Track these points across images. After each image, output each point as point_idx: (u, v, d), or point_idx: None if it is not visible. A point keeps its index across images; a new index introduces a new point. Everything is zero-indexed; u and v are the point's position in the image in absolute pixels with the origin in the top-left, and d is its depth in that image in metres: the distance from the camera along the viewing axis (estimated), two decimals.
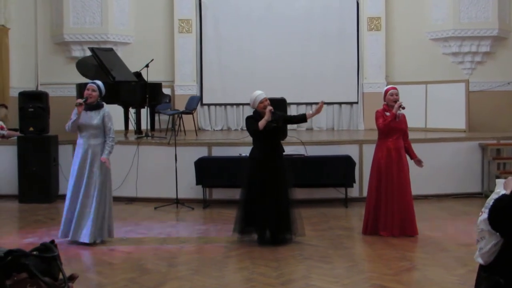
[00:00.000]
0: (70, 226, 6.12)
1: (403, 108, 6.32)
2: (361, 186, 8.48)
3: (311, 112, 6.56)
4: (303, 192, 7.97)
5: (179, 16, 11.90)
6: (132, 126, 10.04)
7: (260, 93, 6.17)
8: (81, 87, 8.96)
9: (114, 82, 9.44)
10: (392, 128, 6.35)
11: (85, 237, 6.06)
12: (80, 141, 6.20)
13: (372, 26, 11.84)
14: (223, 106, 12.15)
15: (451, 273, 5.03)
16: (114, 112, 6.87)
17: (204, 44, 12.05)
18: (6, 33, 11.50)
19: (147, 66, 9.58)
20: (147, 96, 9.57)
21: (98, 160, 6.12)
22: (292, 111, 11.18)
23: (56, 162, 9.04)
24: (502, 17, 11.51)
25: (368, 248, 6.10)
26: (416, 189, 6.97)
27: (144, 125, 9.98)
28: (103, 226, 6.18)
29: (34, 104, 8.93)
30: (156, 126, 10.56)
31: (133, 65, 10.19)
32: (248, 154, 6.35)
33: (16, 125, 9.38)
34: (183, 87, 11.92)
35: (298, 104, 11.78)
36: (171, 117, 10.69)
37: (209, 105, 12.13)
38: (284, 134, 8.24)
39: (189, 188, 8.45)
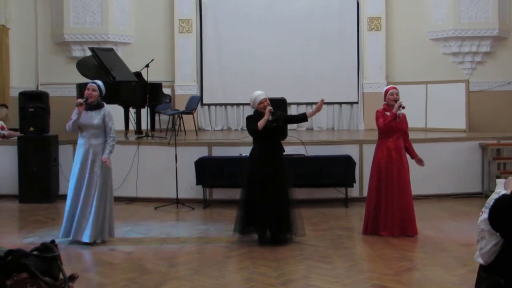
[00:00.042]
0: (72, 226, 6.12)
1: (403, 107, 6.31)
2: (361, 186, 8.48)
3: (311, 111, 6.56)
4: (303, 192, 7.97)
5: (179, 16, 11.90)
6: (132, 126, 10.04)
7: (260, 93, 6.17)
8: (81, 87, 8.97)
9: (115, 82, 9.44)
10: (392, 128, 6.35)
11: (86, 236, 6.07)
12: (81, 141, 6.20)
13: (372, 26, 11.84)
14: (223, 106, 12.15)
15: (451, 273, 5.03)
16: (114, 112, 6.85)
17: (204, 44, 12.05)
18: (6, 33, 11.50)
19: (147, 66, 9.58)
20: (147, 96, 9.58)
21: (99, 159, 6.12)
22: (292, 111, 11.16)
23: (56, 162, 9.04)
24: (502, 17, 11.51)
25: (368, 248, 6.10)
26: (416, 189, 6.98)
27: (144, 125, 9.98)
28: (104, 226, 6.18)
29: (34, 104, 8.93)
30: (156, 126, 10.56)
31: (133, 65, 10.20)
32: (248, 154, 6.35)
33: (17, 125, 9.38)
34: (183, 87, 11.92)
35: (298, 104, 11.77)
36: (171, 117, 10.69)
37: (209, 105, 12.14)
38: (284, 134, 8.24)
39: (189, 188, 8.45)
